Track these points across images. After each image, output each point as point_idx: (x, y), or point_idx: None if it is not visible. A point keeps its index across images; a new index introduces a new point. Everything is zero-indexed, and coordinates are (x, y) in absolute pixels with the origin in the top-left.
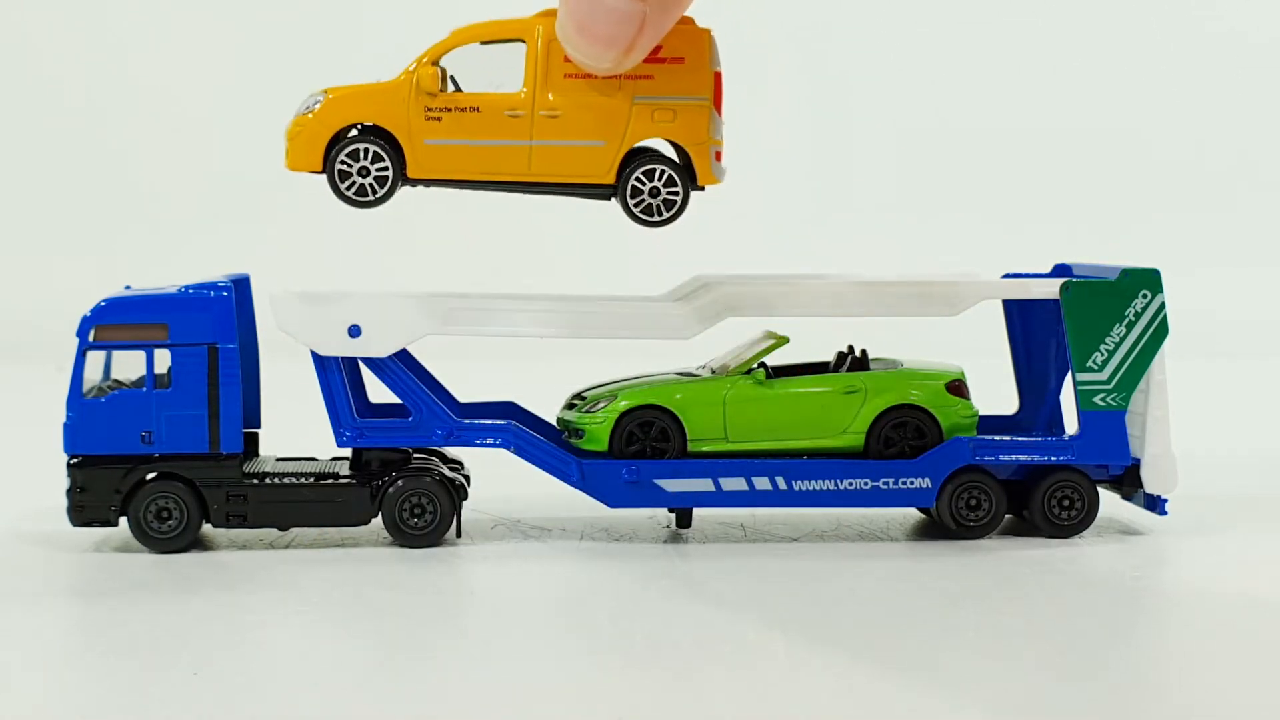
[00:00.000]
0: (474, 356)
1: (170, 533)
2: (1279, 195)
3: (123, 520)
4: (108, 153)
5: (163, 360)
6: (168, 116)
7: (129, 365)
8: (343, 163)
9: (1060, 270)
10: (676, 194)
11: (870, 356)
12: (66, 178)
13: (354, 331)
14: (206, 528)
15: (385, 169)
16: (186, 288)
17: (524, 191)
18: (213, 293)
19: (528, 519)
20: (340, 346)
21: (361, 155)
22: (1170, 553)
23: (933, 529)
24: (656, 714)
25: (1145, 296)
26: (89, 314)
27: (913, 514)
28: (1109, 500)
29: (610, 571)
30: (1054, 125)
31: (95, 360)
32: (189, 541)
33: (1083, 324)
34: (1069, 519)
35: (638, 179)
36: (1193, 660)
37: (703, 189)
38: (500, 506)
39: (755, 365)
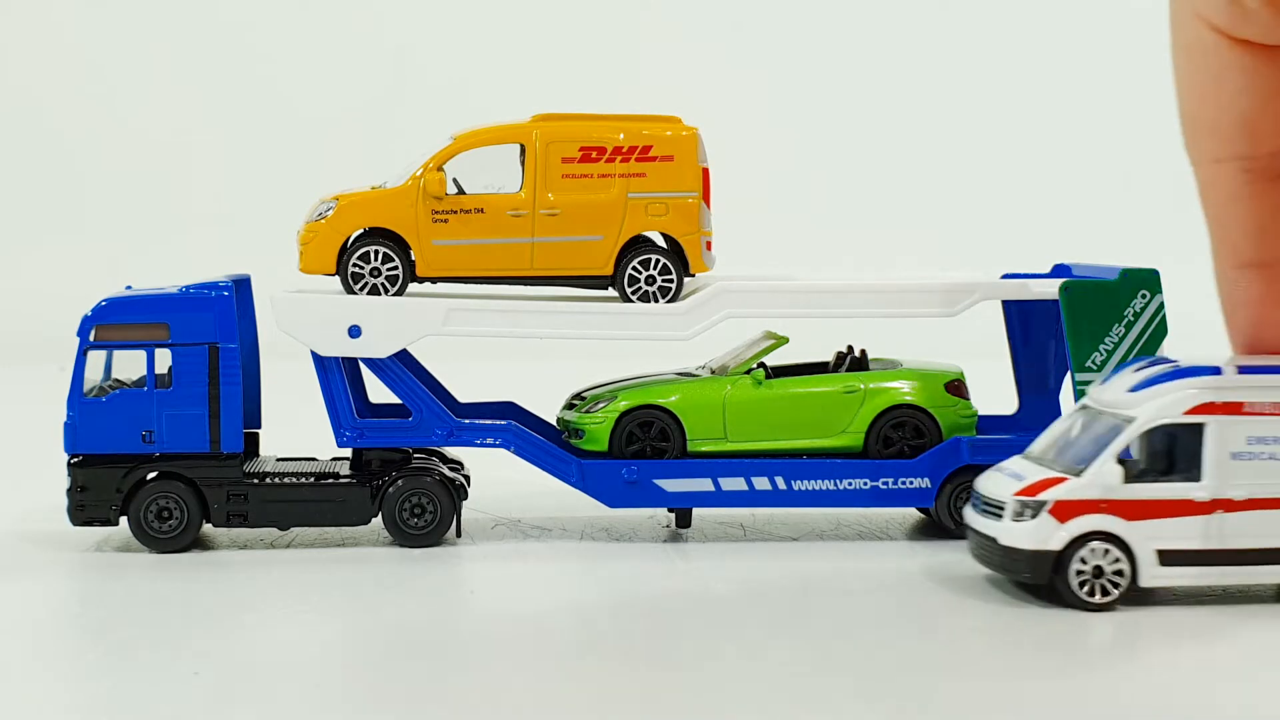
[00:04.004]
0: (474, 356)
1: (171, 532)
2: None
3: (123, 520)
4: (108, 153)
5: (163, 360)
6: (169, 117)
7: (130, 365)
8: (355, 265)
9: (1060, 270)
10: (671, 280)
11: (870, 356)
12: (67, 178)
13: (354, 332)
14: (207, 527)
15: (395, 269)
16: (187, 288)
17: (527, 284)
18: (213, 293)
19: (528, 519)
20: (340, 347)
21: (372, 257)
22: None
23: (932, 529)
24: (657, 714)
25: (1144, 297)
26: (90, 313)
27: (912, 514)
28: None
29: (610, 571)
30: (1054, 125)
31: (96, 360)
32: (189, 541)
33: (1082, 324)
34: None
35: (634, 268)
36: (1193, 660)
37: (693, 275)
38: (500, 506)
39: (755, 365)
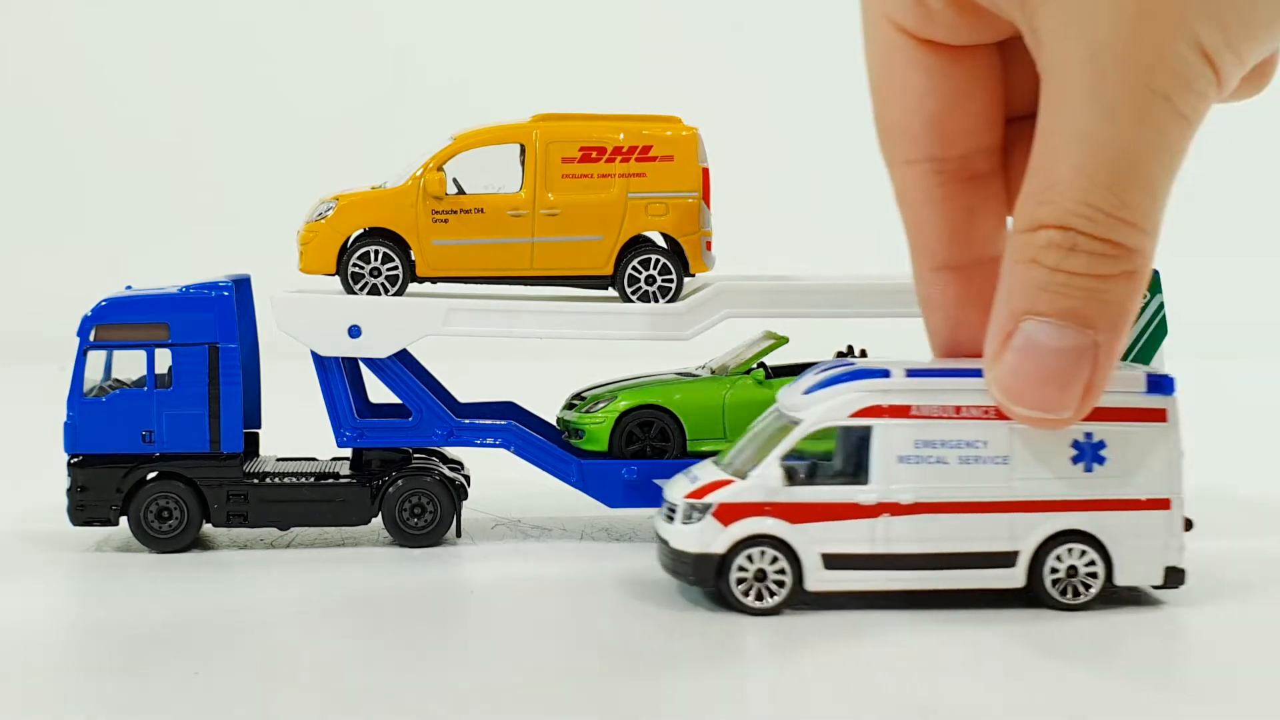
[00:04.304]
0: (474, 356)
1: (171, 532)
2: None
3: (123, 520)
4: (109, 153)
5: (163, 360)
6: (169, 117)
7: (130, 365)
8: (355, 265)
9: None
10: (671, 280)
11: (870, 356)
12: (67, 178)
13: (354, 332)
14: (206, 527)
15: (395, 269)
16: (187, 288)
17: (527, 284)
18: (213, 293)
19: (528, 519)
20: (340, 347)
21: (372, 257)
22: None
23: None
24: (657, 714)
25: (1144, 297)
26: (90, 314)
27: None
28: None
29: (610, 571)
30: None
31: (96, 360)
32: (189, 541)
33: None
34: None
35: (634, 268)
36: (1192, 661)
37: (693, 275)
38: (500, 506)
39: (755, 365)
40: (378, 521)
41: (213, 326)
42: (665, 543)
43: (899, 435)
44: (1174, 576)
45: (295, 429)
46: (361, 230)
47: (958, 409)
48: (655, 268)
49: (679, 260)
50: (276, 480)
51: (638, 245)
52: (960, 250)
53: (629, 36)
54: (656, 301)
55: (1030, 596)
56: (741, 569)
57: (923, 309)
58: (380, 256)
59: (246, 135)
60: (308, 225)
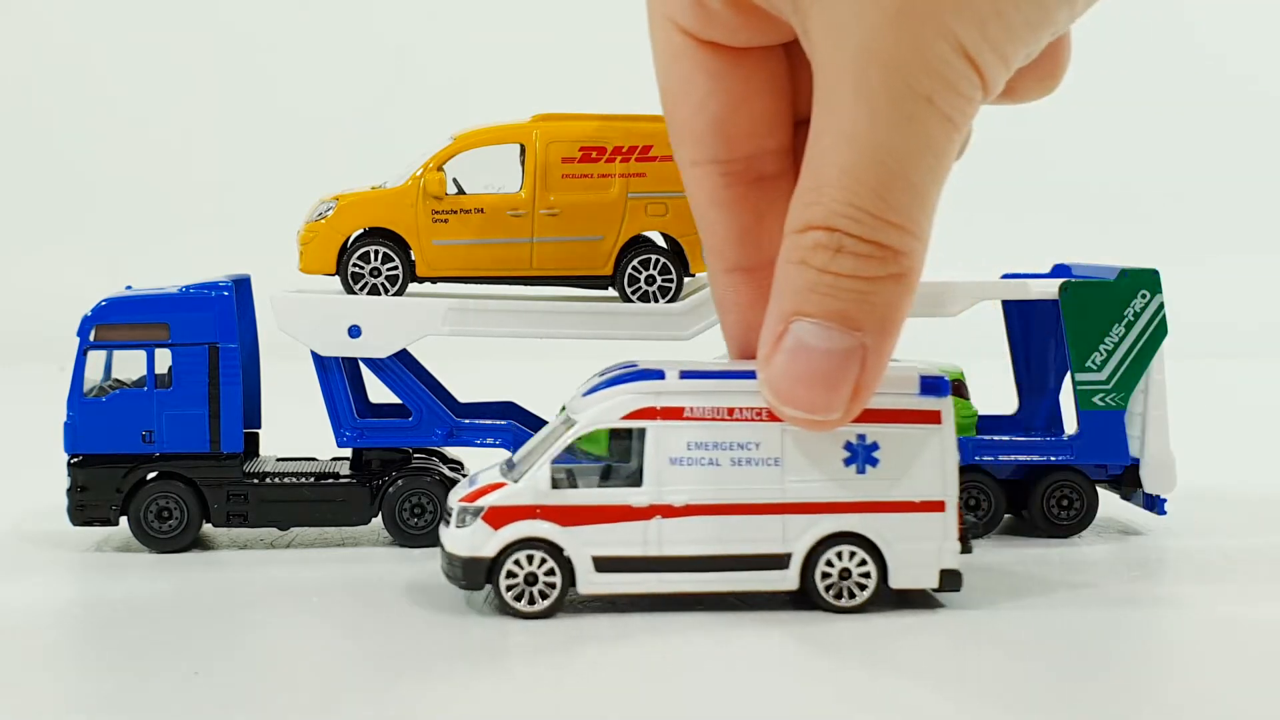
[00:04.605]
0: (474, 356)
1: (171, 532)
2: None
3: (123, 520)
4: (109, 153)
5: (163, 360)
6: (169, 117)
7: (130, 365)
8: (355, 265)
9: (1059, 270)
10: (671, 280)
11: None
12: (67, 178)
13: (354, 332)
14: (206, 527)
15: (395, 269)
16: (187, 288)
17: (527, 284)
18: (213, 292)
19: None
20: (340, 347)
21: (372, 257)
22: (1169, 553)
23: None
24: (656, 715)
25: (1144, 297)
26: (90, 313)
27: None
28: (1108, 500)
29: None
30: (1054, 125)
31: (96, 360)
32: (189, 541)
33: (1082, 324)
34: (1068, 519)
35: (634, 268)
36: (1192, 661)
37: (694, 275)
38: None
39: None
40: (378, 521)
41: (213, 326)
42: (442, 544)
43: (672, 437)
44: (950, 579)
45: (295, 429)
46: (361, 230)
47: (731, 411)
48: (655, 268)
49: (679, 260)
50: (276, 480)
51: (638, 245)
52: (751, 252)
53: (629, 36)
54: (656, 301)
55: (806, 599)
56: (511, 573)
57: (718, 311)
58: (380, 256)
59: (246, 135)
60: (308, 225)
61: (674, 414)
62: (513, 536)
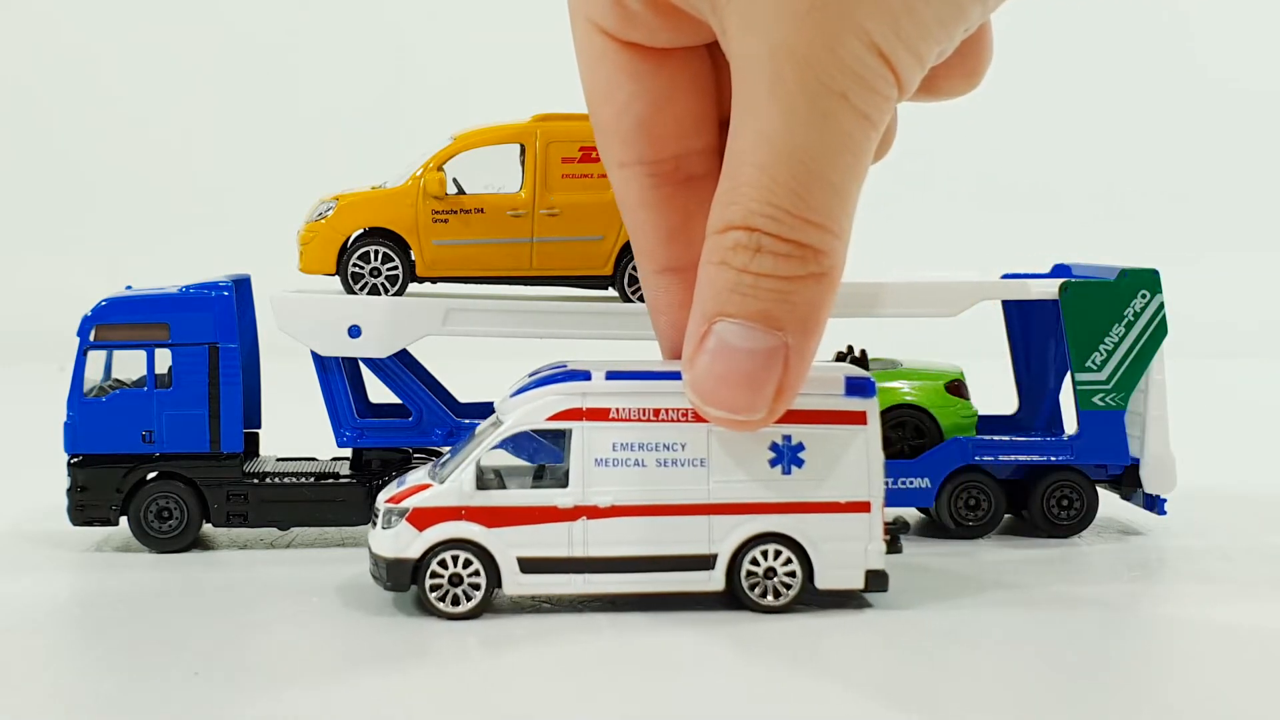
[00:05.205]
0: (474, 356)
1: (171, 532)
2: None
3: (123, 520)
4: (109, 153)
5: (163, 360)
6: (169, 117)
7: (130, 365)
8: (355, 265)
9: (1059, 270)
10: None
11: (870, 356)
12: (67, 178)
13: (354, 332)
14: (206, 527)
15: (395, 269)
16: (187, 288)
17: (527, 284)
18: (213, 292)
19: None
20: (340, 347)
21: (372, 257)
22: (1169, 553)
23: (932, 529)
24: (657, 715)
25: (1144, 296)
26: (90, 313)
27: (912, 514)
28: (1108, 500)
29: None
30: (1055, 125)
31: (96, 360)
32: (189, 541)
33: (1081, 324)
34: (1068, 519)
35: (634, 268)
36: (1192, 661)
37: None
38: None
39: None
40: None
41: (213, 326)
42: (369, 549)
43: (597, 438)
44: (876, 580)
45: (295, 429)
46: (361, 230)
47: (657, 412)
48: None
49: None
50: (276, 480)
51: None
52: (680, 253)
53: None
54: None
55: (732, 599)
56: (436, 574)
57: (650, 312)
58: (380, 256)
59: (246, 135)
60: (308, 225)
61: (599, 415)
62: (437, 538)
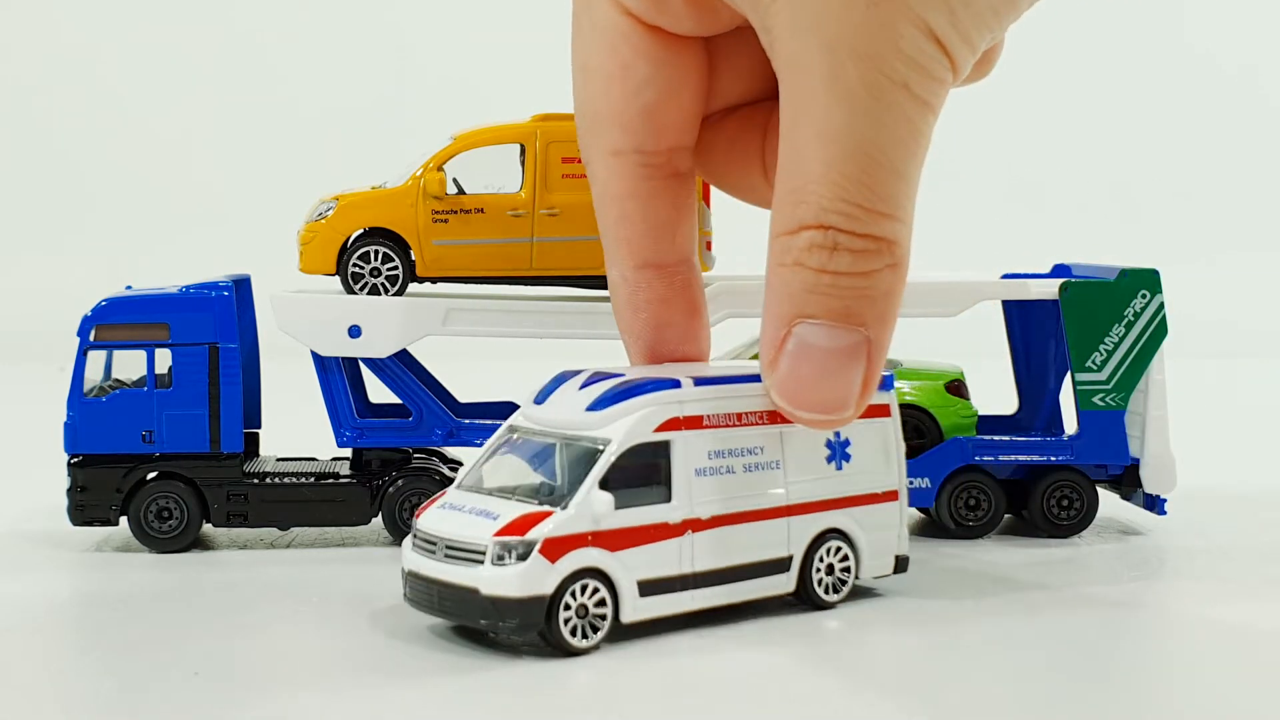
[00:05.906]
0: (474, 356)
1: (171, 532)
2: None
3: (123, 520)
4: (109, 152)
5: (163, 360)
6: (169, 117)
7: (130, 365)
8: (355, 265)
9: (1059, 270)
10: None
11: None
12: (67, 177)
13: (354, 332)
14: (207, 527)
15: (395, 269)
16: (187, 288)
17: (527, 284)
18: (213, 292)
19: None
20: (340, 347)
21: (372, 257)
22: (1169, 553)
23: (932, 529)
24: (657, 715)
25: (1144, 297)
26: (90, 313)
27: (912, 514)
28: (1108, 500)
29: None
30: (1055, 125)
31: (96, 360)
32: (189, 541)
33: (1082, 324)
34: (1068, 519)
35: None
36: (1192, 662)
37: None
38: None
39: None
40: (378, 521)
41: (213, 326)
42: (462, 589)
43: (695, 447)
44: (901, 564)
45: (295, 429)
46: (361, 230)
47: (740, 416)
48: None
49: None
50: (276, 480)
51: None
52: (665, 248)
53: None
54: None
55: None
56: (567, 606)
57: (624, 310)
58: (380, 256)
59: (247, 135)
60: (308, 225)
61: (695, 423)
62: (570, 568)
